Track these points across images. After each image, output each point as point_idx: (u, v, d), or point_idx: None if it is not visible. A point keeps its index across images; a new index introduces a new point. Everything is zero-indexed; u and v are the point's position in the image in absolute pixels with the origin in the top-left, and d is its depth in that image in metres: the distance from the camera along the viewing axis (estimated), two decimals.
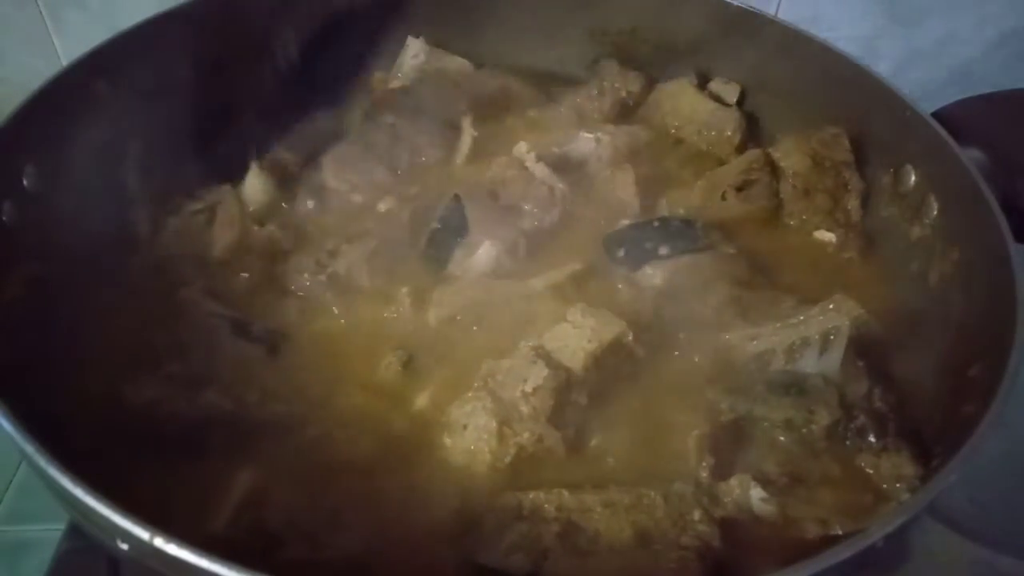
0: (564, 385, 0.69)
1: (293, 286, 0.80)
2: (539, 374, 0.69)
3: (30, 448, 0.54)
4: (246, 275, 0.82)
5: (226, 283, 0.81)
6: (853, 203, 0.91)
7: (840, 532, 0.63)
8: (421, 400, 0.73)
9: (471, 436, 0.68)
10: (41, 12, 1.14)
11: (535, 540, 0.61)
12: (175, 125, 0.86)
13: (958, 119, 0.84)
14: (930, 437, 0.70)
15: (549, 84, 1.07)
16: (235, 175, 0.89)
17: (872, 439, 0.70)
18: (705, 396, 0.74)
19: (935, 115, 0.85)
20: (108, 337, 0.74)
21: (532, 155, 0.90)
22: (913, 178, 0.86)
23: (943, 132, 0.82)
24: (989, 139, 0.83)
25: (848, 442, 0.70)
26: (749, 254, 0.86)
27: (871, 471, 0.69)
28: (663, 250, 0.83)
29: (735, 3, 0.99)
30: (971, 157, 0.79)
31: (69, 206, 0.80)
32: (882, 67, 0.93)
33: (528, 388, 0.68)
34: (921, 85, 1.18)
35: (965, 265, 0.77)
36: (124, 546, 0.51)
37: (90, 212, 0.82)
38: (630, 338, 0.73)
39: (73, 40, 1.16)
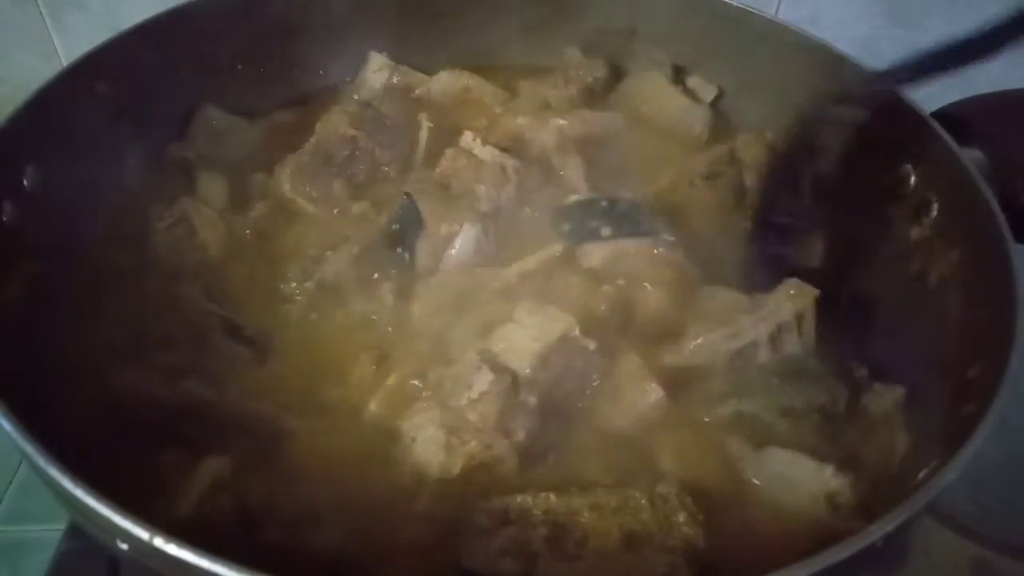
0: (510, 388, 0.68)
1: (285, 292, 0.81)
2: (483, 379, 0.67)
3: (30, 448, 0.54)
4: (245, 270, 0.83)
5: (224, 285, 0.81)
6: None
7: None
8: (373, 406, 0.72)
9: (420, 449, 0.67)
10: (41, 12, 1.14)
11: (524, 544, 0.61)
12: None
13: (958, 119, 0.84)
14: (930, 437, 0.70)
15: (519, 78, 1.07)
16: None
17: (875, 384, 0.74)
18: (715, 409, 0.74)
19: (935, 115, 0.85)
20: (102, 327, 0.74)
21: (478, 141, 0.90)
22: (913, 178, 0.86)
23: (943, 132, 0.82)
24: (989, 139, 0.83)
25: (862, 399, 0.73)
26: (698, 244, 0.86)
27: (870, 408, 0.72)
28: (605, 231, 0.84)
29: (734, 3, 1.00)
30: (971, 157, 0.80)
31: (69, 206, 0.80)
32: (882, 67, 0.93)
33: (473, 395, 0.67)
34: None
35: (965, 265, 0.77)
36: (124, 546, 0.51)
37: (90, 212, 0.82)
38: (576, 333, 0.71)
39: (74, 40, 1.16)
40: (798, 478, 0.68)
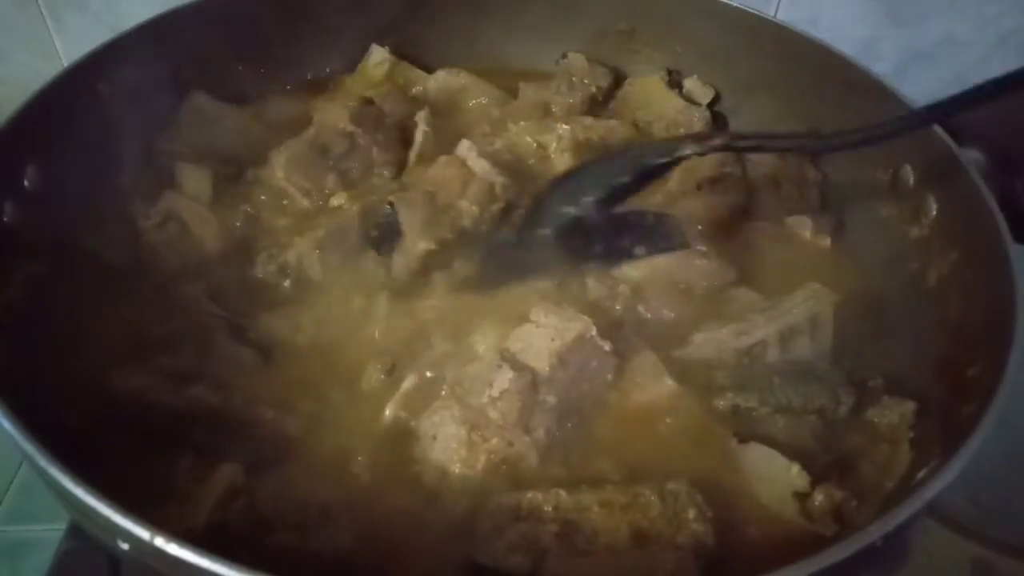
0: (530, 386, 0.68)
1: (251, 279, 0.81)
2: (504, 377, 0.68)
3: (31, 448, 0.54)
4: (241, 267, 0.83)
5: (225, 284, 0.81)
6: (813, 194, 0.95)
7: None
8: (391, 409, 0.72)
9: (441, 446, 0.67)
10: (42, 13, 1.14)
11: (534, 540, 0.61)
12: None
13: (957, 120, 0.84)
14: (930, 438, 0.70)
15: (519, 80, 1.07)
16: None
17: (884, 396, 0.73)
18: (714, 402, 0.74)
19: None
20: (104, 329, 0.74)
21: (474, 152, 0.90)
22: (912, 179, 0.86)
23: (942, 133, 0.82)
24: (988, 140, 0.83)
25: (869, 410, 0.72)
26: (725, 252, 0.86)
27: (876, 420, 0.72)
28: (639, 250, 0.84)
29: (733, 4, 1.00)
30: (970, 158, 0.80)
31: (70, 206, 0.80)
32: (882, 67, 0.94)
33: (494, 392, 0.68)
34: (920, 86, 1.18)
35: (964, 265, 0.77)
36: (125, 546, 0.52)
37: (91, 212, 0.82)
38: (593, 333, 0.72)
39: (74, 41, 1.16)
40: (772, 474, 0.68)
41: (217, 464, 0.63)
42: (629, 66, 1.09)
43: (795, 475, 0.67)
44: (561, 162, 0.95)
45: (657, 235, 0.85)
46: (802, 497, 0.66)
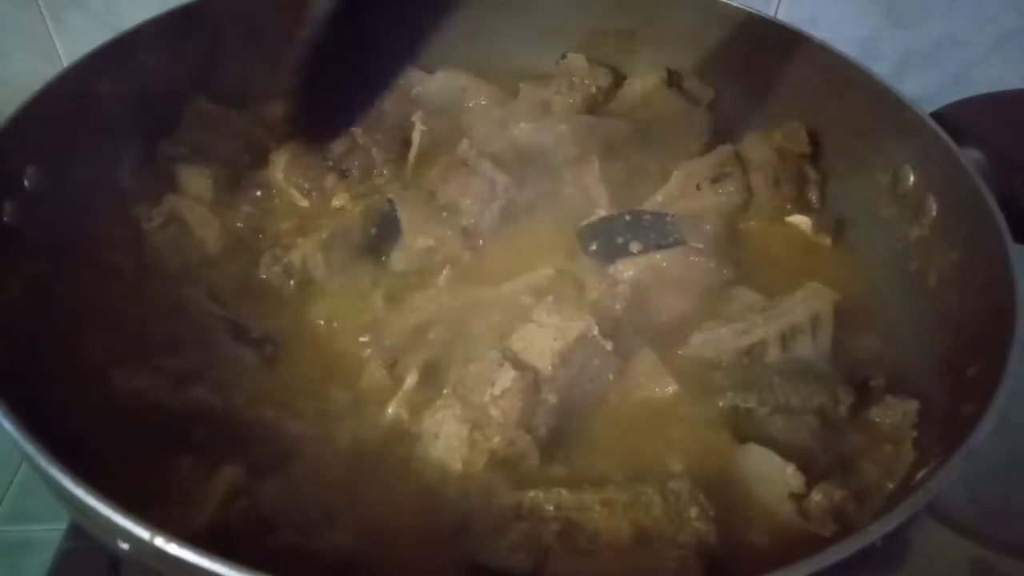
0: (532, 385, 0.69)
1: (255, 280, 0.82)
2: (506, 376, 0.68)
3: (31, 448, 0.54)
4: (242, 268, 0.83)
5: (226, 284, 0.81)
6: (813, 193, 0.95)
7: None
8: (392, 408, 0.72)
9: (442, 444, 0.67)
10: (43, 13, 1.14)
11: (535, 539, 0.61)
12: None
13: (957, 120, 0.84)
14: (930, 437, 0.70)
15: (519, 80, 1.07)
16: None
17: (887, 395, 0.73)
18: (715, 401, 0.74)
19: (934, 116, 0.85)
20: (105, 329, 0.75)
21: (474, 151, 0.90)
22: (912, 179, 0.86)
23: (942, 133, 0.82)
24: (988, 140, 0.83)
25: (872, 410, 0.72)
26: (723, 251, 0.86)
27: (879, 420, 0.72)
28: (635, 246, 0.84)
29: (733, 4, 1.00)
30: (970, 158, 0.80)
31: (70, 206, 0.80)
32: (882, 67, 0.94)
33: (496, 391, 0.68)
34: (920, 86, 1.18)
35: (964, 266, 0.77)
36: (125, 546, 0.52)
37: (91, 212, 0.82)
38: (595, 332, 0.72)
39: (74, 41, 1.16)
40: (769, 474, 0.68)
41: (219, 465, 0.63)
42: (629, 66, 1.09)
43: (790, 475, 0.67)
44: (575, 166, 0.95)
45: (654, 233, 0.85)
46: (798, 497, 0.66)
